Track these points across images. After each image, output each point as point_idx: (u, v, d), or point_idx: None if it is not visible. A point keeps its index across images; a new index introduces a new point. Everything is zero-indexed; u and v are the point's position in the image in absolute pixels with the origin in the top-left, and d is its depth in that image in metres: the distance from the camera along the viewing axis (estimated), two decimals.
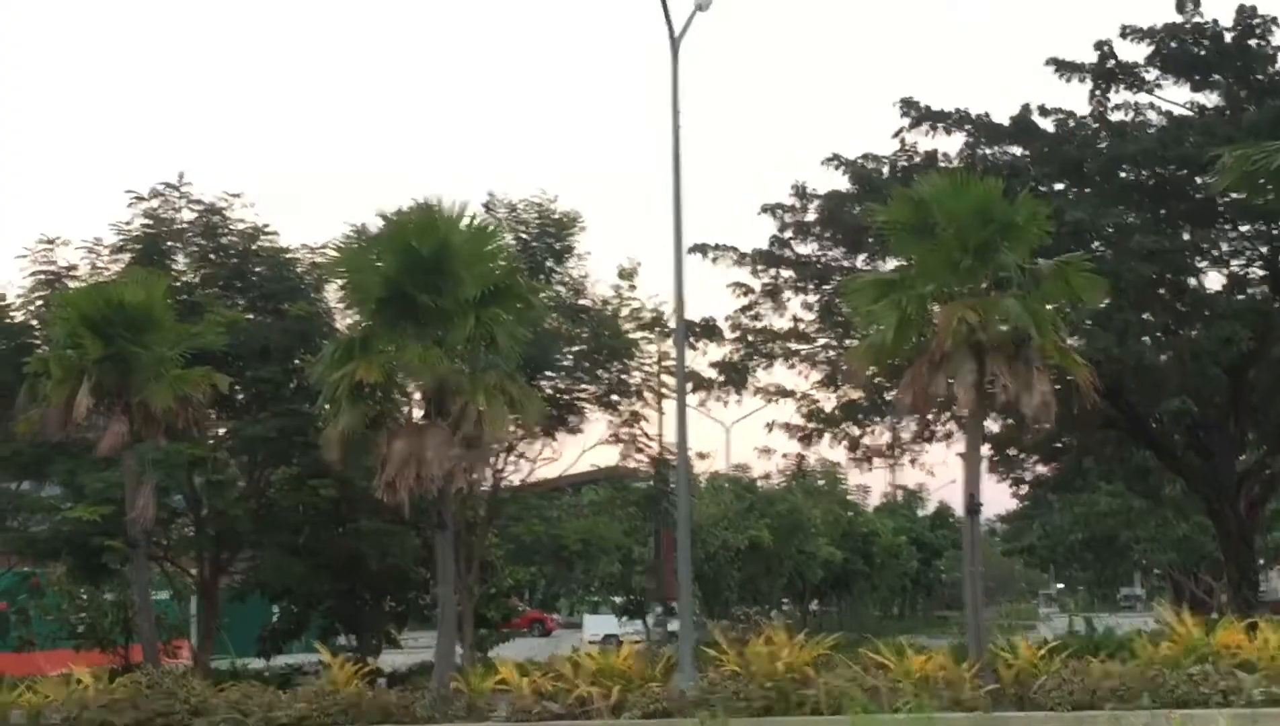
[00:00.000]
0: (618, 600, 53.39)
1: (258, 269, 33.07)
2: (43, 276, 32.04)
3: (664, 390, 34.30)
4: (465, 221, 26.49)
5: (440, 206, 26.44)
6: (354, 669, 26.73)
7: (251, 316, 31.58)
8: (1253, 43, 35.70)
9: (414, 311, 25.58)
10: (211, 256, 33.02)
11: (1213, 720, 18.49)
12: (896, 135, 37.18)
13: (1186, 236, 36.50)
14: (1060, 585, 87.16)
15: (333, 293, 32.57)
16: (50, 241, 32.13)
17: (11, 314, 32.34)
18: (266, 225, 33.38)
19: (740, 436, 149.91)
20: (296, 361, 31.71)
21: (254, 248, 33.15)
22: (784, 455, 45.66)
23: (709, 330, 38.40)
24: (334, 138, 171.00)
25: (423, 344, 25.26)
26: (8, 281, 32.81)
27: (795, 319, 39.12)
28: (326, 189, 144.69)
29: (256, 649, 36.81)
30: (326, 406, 26.92)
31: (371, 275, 26.67)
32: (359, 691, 25.32)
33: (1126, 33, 36.06)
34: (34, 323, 31.92)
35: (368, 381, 25.53)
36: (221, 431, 33.05)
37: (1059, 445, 41.35)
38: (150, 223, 32.66)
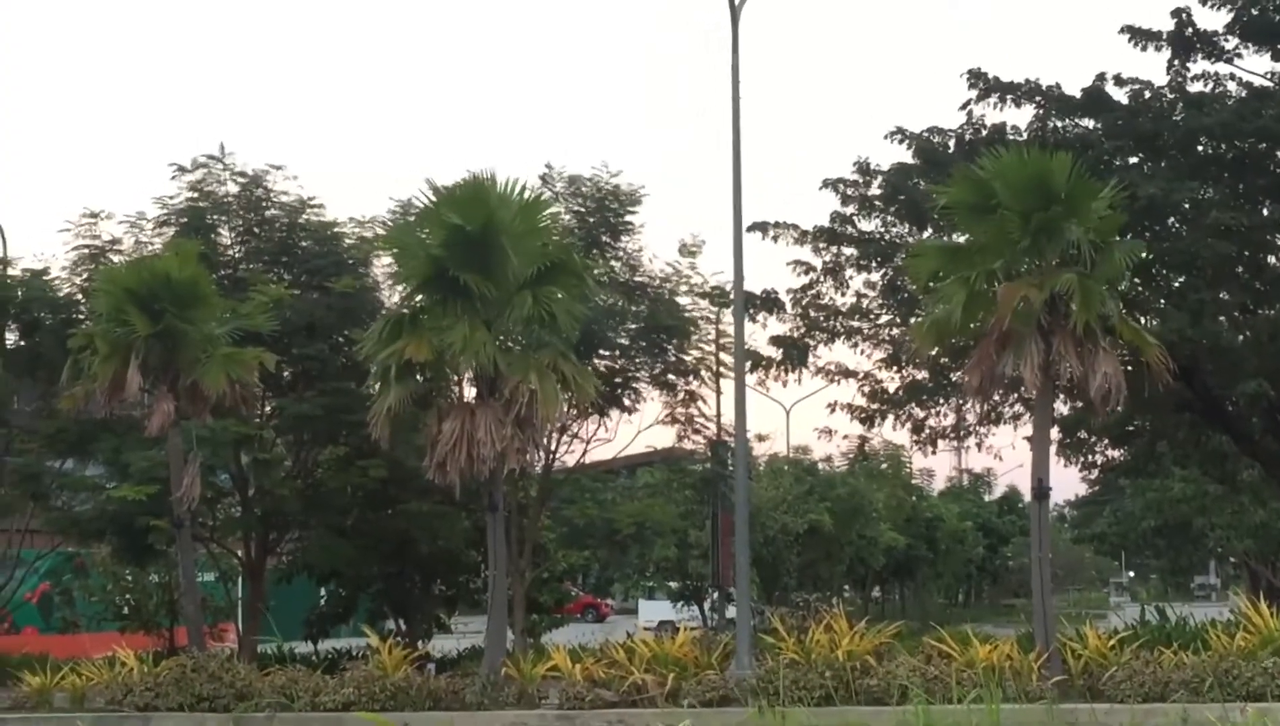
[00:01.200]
0: (673, 585, 53.48)
1: (303, 243, 33.19)
2: (86, 250, 32.29)
3: (722, 369, 34.26)
4: (516, 195, 26.65)
5: (489, 181, 26.63)
6: (403, 653, 26.97)
7: (297, 292, 31.63)
8: None
9: (463, 290, 25.69)
10: (256, 230, 33.18)
11: None
12: (964, 107, 36.95)
13: (1266, 212, 36.21)
14: (1131, 573, 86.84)
15: (380, 267, 32.76)
16: (94, 215, 32.38)
17: (56, 288, 32.61)
18: (312, 198, 33.48)
19: (800, 418, 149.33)
20: (343, 338, 31.85)
21: (299, 221, 33.26)
22: (845, 437, 45.70)
23: (769, 302, 38.25)
24: (387, 111, 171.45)
25: (471, 324, 25.38)
26: (51, 255, 33.05)
27: (858, 296, 38.96)
28: (376, 164, 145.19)
29: (303, 632, 37.04)
30: (375, 385, 27.16)
31: (418, 252, 26.87)
32: (407, 677, 25.55)
33: None
34: (78, 297, 32.17)
35: (417, 360, 25.70)
36: (268, 410, 33.24)
37: (1131, 428, 41.10)
38: (194, 196, 32.83)
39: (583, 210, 32.58)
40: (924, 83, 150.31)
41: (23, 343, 32.77)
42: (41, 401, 31.73)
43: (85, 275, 32.00)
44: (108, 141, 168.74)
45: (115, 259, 31.68)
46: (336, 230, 33.52)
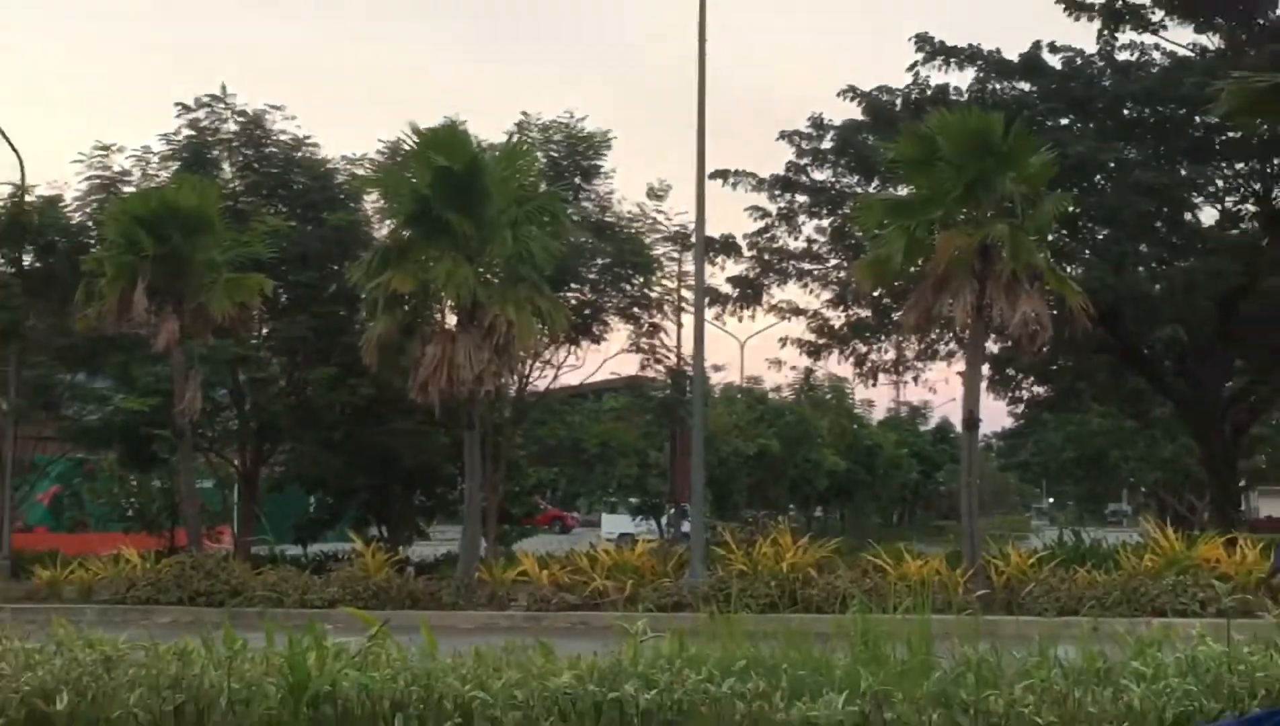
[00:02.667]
0: (634, 501, 53.65)
1: (299, 179, 33.10)
2: (98, 181, 32.16)
3: (683, 305, 34.33)
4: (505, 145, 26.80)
5: (464, 127, 26.87)
6: (384, 557, 27.13)
7: (293, 224, 31.61)
8: None
9: (446, 226, 25.71)
10: (255, 166, 33.06)
11: (1189, 627, 18.66)
12: (910, 69, 37.02)
13: (1184, 173, 36.36)
14: (1051, 499, 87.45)
15: (370, 203, 32.71)
16: (105, 148, 32.23)
17: (69, 215, 32.54)
18: (308, 136, 33.45)
19: (753, 351, 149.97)
20: (335, 267, 31.86)
21: (296, 158, 33.17)
22: (793, 369, 46.03)
23: (727, 246, 38.45)
24: (366, 54, 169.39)
25: (454, 258, 25.42)
26: (65, 183, 32.95)
27: (809, 241, 39.12)
28: (361, 103, 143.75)
29: (293, 536, 37.14)
30: (365, 313, 27.23)
31: (405, 190, 26.88)
32: (389, 578, 25.72)
33: None
34: (89, 224, 32.08)
35: (403, 291, 25.73)
36: (264, 332, 33.24)
37: (1055, 368, 41.41)
38: (196, 133, 32.71)
39: (556, 154, 32.55)
40: (878, 41, 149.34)
41: (38, 264, 32.67)
42: (55, 319, 31.66)
43: (96, 204, 31.87)
44: (118, 76, 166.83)
45: (125, 189, 31.57)
46: (330, 167, 33.47)
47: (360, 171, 32.88)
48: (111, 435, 33.32)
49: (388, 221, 30.03)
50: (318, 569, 29.27)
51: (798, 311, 40.24)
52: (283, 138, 33.19)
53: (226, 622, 9.73)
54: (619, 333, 34.54)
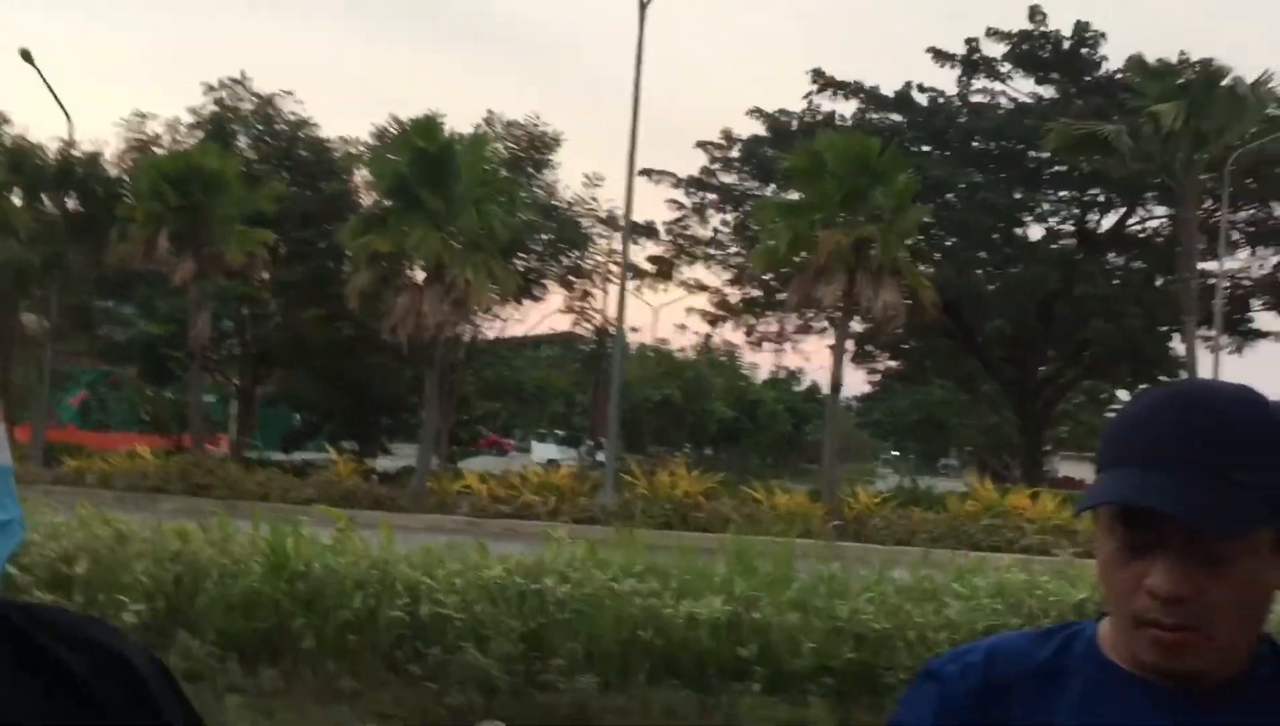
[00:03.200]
0: (560, 433, 53.73)
1: (302, 152, 32.85)
2: (134, 142, 31.86)
3: (610, 276, 34.35)
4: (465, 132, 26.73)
5: (440, 119, 26.80)
6: (354, 467, 27.00)
7: (295, 189, 31.41)
8: (1084, 50, 35.80)
9: (421, 200, 25.56)
10: (266, 140, 32.84)
11: (999, 560, 18.94)
12: (806, 96, 37.18)
13: (1019, 196, 36.70)
14: (895, 452, 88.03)
15: (359, 176, 32.51)
16: (142, 115, 32.03)
17: (107, 169, 32.20)
18: (310, 118, 33.39)
19: (664, 317, 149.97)
20: (327, 227, 31.66)
21: (299, 135, 32.94)
22: (696, 334, 46.05)
23: (648, 231, 38.45)
24: (353, 53, 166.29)
25: (425, 227, 25.31)
26: (105, 141, 32.71)
27: (715, 231, 39.18)
28: (347, 97, 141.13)
29: (280, 445, 36.90)
30: (350, 266, 27.08)
31: (388, 168, 26.73)
32: (356, 484, 25.62)
33: (990, 33, 36.09)
34: (125, 178, 31.74)
35: (382, 251, 25.57)
36: (266, 276, 33.02)
37: (906, 347, 41.75)
38: (218, 109, 32.55)
39: (515, 147, 32.40)
40: (782, 71, 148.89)
41: (80, 209, 32.26)
42: (92, 255, 31.29)
43: (131, 161, 31.52)
44: (155, 52, 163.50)
45: (156, 151, 31.28)
46: (328, 145, 33.27)
47: (352, 150, 32.80)
48: (134, 353, 32.99)
49: (373, 193, 29.86)
50: (298, 473, 29.04)
51: (702, 287, 40.37)
52: (290, 118, 32.99)
53: (221, 512, 9.64)
54: (556, 296, 34.58)
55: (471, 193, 25.75)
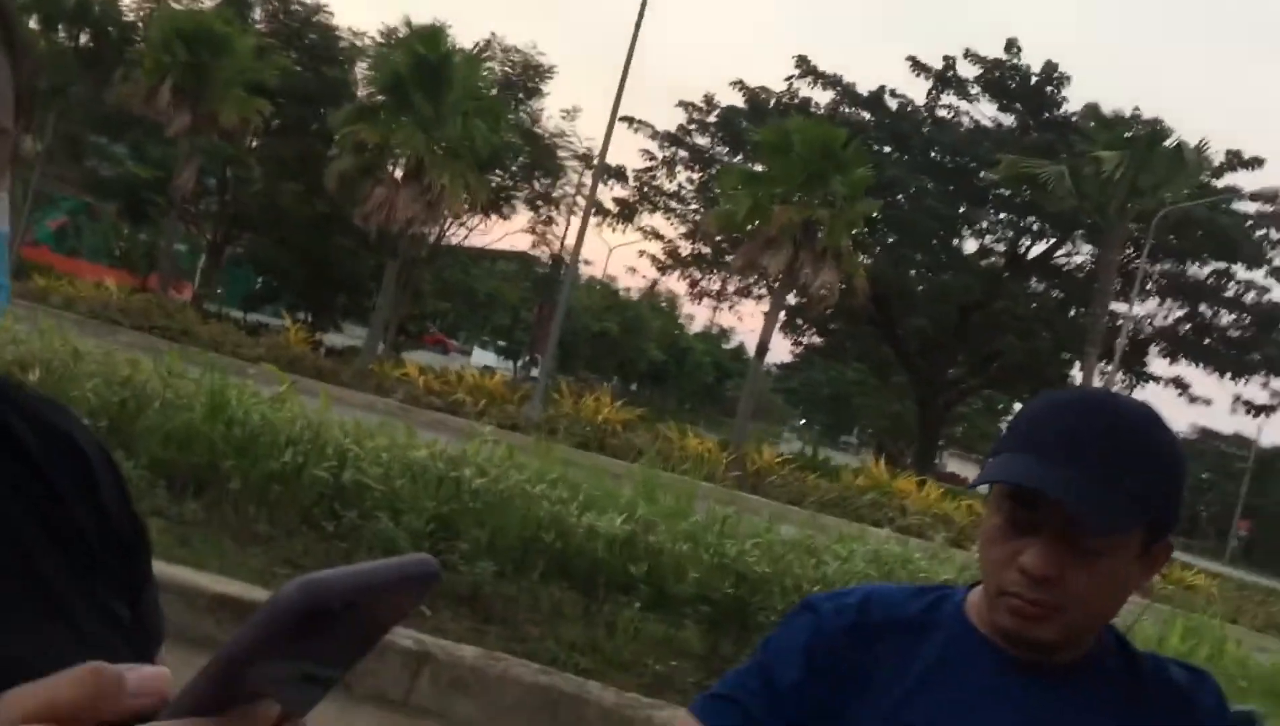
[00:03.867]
0: (502, 344, 53.60)
1: (312, 35, 32.31)
2: None
3: (575, 208, 34.16)
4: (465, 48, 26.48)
5: (445, 31, 26.51)
6: (305, 336, 26.79)
7: (299, 69, 30.89)
8: (1049, 88, 35.94)
9: (412, 102, 25.31)
10: (280, 16, 32.23)
11: (879, 533, 19.19)
12: (788, 80, 37.09)
13: (962, 210, 36.90)
14: (804, 421, 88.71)
15: (360, 69, 32.02)
16: None
17: (123, 12, 31.50)
18: (325, 4, 32.75)
19: (618, 257, 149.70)
20: (322, 110, 31.21)
21: (313, 19, 32.39)
22: (644, 277, 45.98)
23: (618, 174, 38.23)
24: None
25: (412, 127, 25.10)
26: None
27: (680, 186, 39.08)
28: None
29: (240, 304, 36.54)
30: (336, 150, 26.74)
31: (388, 66, 26.44)
32: (304, 352, 25.39)
33: (967, 55, 36.11)
34: (139, 24, 31.08)
35: (369, 141, 25.29)
36: (256, 143, 32.54)
37: (833, 327, 41.98)
38: None
39: (510, 71, 32.04)
40: (773, 51, 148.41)
41: (91, 45, 31.55)
42: (95, 90, 30.67)
43: (148, 10, 30.83)
44: None
45: (173, 4, 30.62)
46: (337, 34, 32.72)
47: (358, 43, 32.30)
48: (118, 191, 32.44)
49: (370, 87, 29.40)
50: (252, 332, 28.77)
51: (658, 236, 40.27)
52: (306, 0, 32.46)
53: (172, 351, 9.52)
54: (522, 217, 34.37)
55: (461, 104, 25.51)
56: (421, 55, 25.33)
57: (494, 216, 33.15)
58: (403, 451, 7.37)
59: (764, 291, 39.24)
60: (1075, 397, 1.50)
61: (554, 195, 33.66)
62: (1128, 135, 29.00)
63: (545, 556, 6.79)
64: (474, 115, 25.65)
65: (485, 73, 27.92)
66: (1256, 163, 34.01)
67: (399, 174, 26.61)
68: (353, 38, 32.63)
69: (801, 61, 36.68)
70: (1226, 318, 36.88)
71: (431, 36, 26.02)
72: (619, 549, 6.96)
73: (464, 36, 60.85)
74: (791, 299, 35.04)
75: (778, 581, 6.87)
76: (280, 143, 31.26)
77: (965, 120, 37.20)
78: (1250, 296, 36.13)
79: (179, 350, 11.00)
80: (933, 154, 36.69)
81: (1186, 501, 1.54)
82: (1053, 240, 37.86)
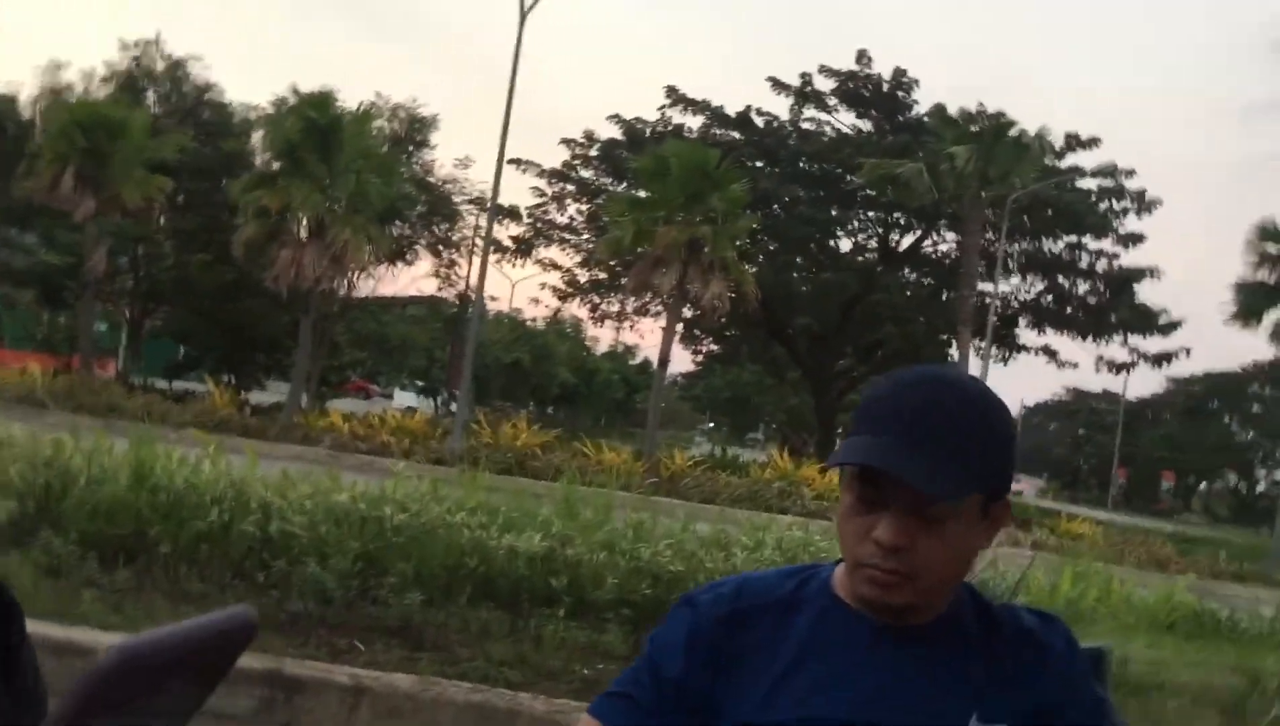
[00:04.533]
0: (420, 384, 53.17)
1: (205, 113, 31.88)
2: (49, 89, 30.55)
3: (474, 249, 34.06)
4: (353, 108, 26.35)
5: (333, 95, 26.34)
6: (230, 397, 26.34)
7: (196, 145, 30.42)
8: (900, 94, 36.53)
9: (308, 165, 25.08)
10: (172, 98, 31.77)
11: (785, 521, 19.32)
12: (660, 109, 37.29)
13: (834, 213, 37.35)
14: (711, 424, 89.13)
15: (255, 138, 31.68)
16: (58, 65, 30.73)
17: (20, 111, 30.86)
18: (215, 83, 32.64)
19: (521, 290, 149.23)
20: (222, 181, 30.81)
21: (205, 98, 31.98)
22: (548, 307, 45.86)
23: (512, 213, 38.13)
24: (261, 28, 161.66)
25: (310, 189, 24.86)
26: (21, 84, 31.26)
27: (571, 218, 39.08)
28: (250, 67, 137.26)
29: (164, 374, 35.83)
30: (240, 218, 26.36)
31: (281, 133, 26.15)
32: (230, 414, 24.94)
33: (822, 70, 36.59)
34: (36, 120, 30.46)
35: (270, 206, 24.99)
36: (162, 220, 32.02)
37: (727, 334, 42.20)
38: (132, 65, 31.42)
39: (397, 126, 31.89)
40: (641, 83, 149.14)
41: None
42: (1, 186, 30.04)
43: (45, 105, 30.23)
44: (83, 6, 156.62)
45: (69, 98, 30.06)
46: (230, 109, 32.32)
47: (251, 116, 31.96)
48: (33, 278, 31.61)
49: (266, 154, 29.08)
50: (178, 400, 28.20)
51: (556, 267, 40.22)
52: (198, 81, 32.09)
53: (100, 429, 9.30)
54: (426, 262, 34.17)
55: (354, 163, 25.34)
56: (312, 120, 25.13)
57: (399, 264, 32.94)
58: (326, 497, 7.27)
59: (660, 308, 39.45)
60: (909, 378, 1.52)
61: (454, 239, 33.54)
62: (974, 130, 29.61)
63: (470, 581, 6.74)
64: (367, 172, 25.47)
65: (374, 131, 27.72)
66: (1094, 142, 34.90)
67: (303, 234, 26.32)
68: (246, 111, 32.29)
69: (671, 91, 36.95)
70: (1083, 286, 37.72)
71: (320, 102, 25.84)
72: (539, 564, 6.93)
73: (351, 97, 60.49)
74: (687, 312, 35.28)
75: (691, 578, 6.87)
76: (186, 216, 30.82)
77: (827, 130, 37.68)
78: (1101, 264, 37.01)
79: (106, 426, 10.75)
80: (801, 164, 37.09)
81: (1017, 464, 1.57)
82: (919, 232, 38.46)
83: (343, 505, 7.11)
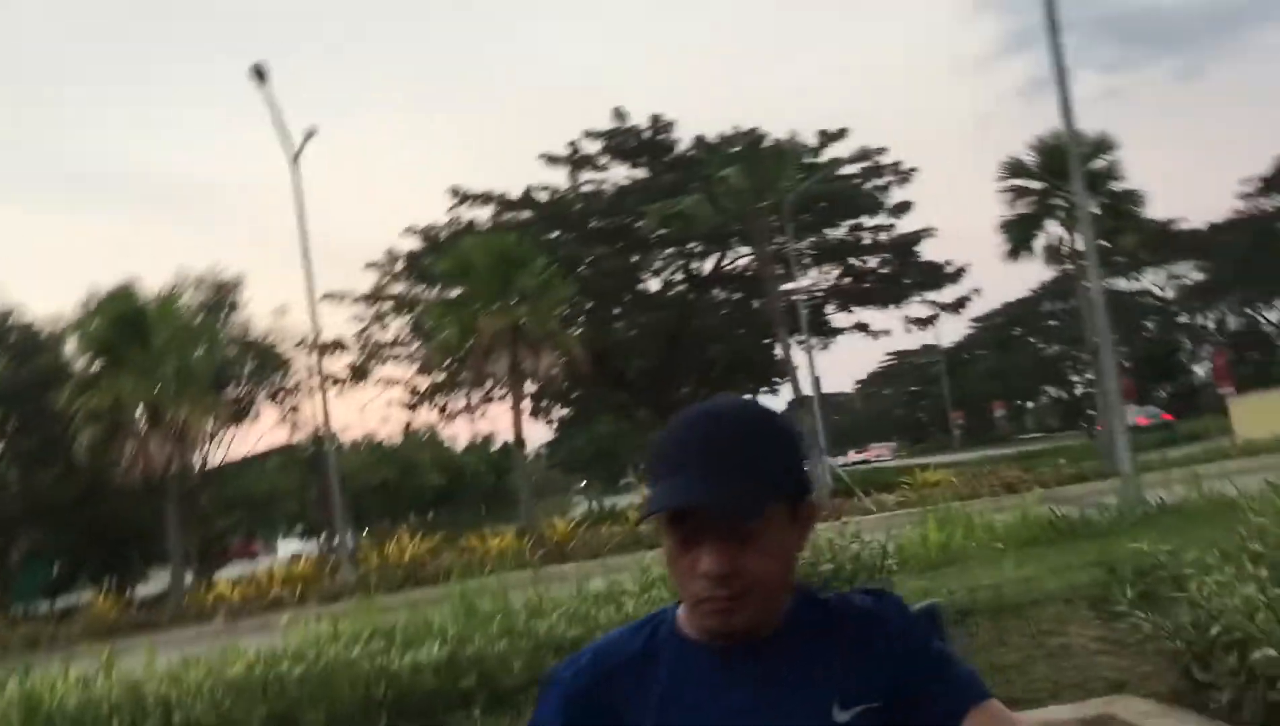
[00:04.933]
0: (300, 528, 51.68)
1: (13, 336, 30.53)
2: None
3: (312, 389, 33.36)
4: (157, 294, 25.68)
5: (137, 286, 25.66)
6: (115, 599, 25.19)
7: (12, 368, 29.09)
8: (660, 137, 37.27)
9: (128, 356, 24.27)
10: None
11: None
12: (449, 210, 37.28)
13: (635, 260, 37.79)
14: (584, 482, 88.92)
15: (70, 345, 30.46)
16: None
17: None
18: (19, 303, 31.06)
19: (370, 411, 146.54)
20: (49, 393, 29.52)
21: (9, 322, 30.64)
22: (398, 421, 45.20)
23: (338, 344, 37.61)
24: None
25: (136, 378, 24.03)
26: None
27: (395, 335, 38.74)
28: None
29: (44, 594, 33.99)
30: (76, 425, 25.32)
31: (92, 334, 25.31)
32: (119, 614, 23.86)
33: (587, 134, 37.10)
34: None
35: (102, 406, 24.10)
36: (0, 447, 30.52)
37: (573, 396, 42.19)
38: None
39: (205, 297, 31.05)
40: (428, 189, 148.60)
41: None
42: None
43: None
44: None
45: None
46: (36, 328, 30.99)
47: (56, 330, 30.66)
48: None
49: (84, 357, 27.99)
50: (64, 617, 26.79)
51: (395, 382, 39.76)
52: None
53: None
54: (271, 413, 33.33)
55: (171, 343, 24.64)
56: (120, 314, 24.38)
57: (244, 423, 32.05)
58: (221, 673, 6.99)
59: (505, 390, 39.25)
60: (685, 418, 1.56)
61: (290, 385, 32.79)
62: (736, 151, 30.42)
63: (382, 707, 6.56)
64: (187, 348, 24.80)
65: (183, 307, 26.99)
66: (842, 133, 36.16)
67: (143, 424, 25.39)
68: (52, 323, 30.97)
69: (455, 191, 37.03)
70: (872, 261, 38.92)
71: (123, 295, 25.12)
72: (445, 671, 6.79)
73: (153, 276, 58.79)
74: (530, 387, 35.20)
75: (589, 638, 6.83)
76: (22, 438, 29.37)
77: (606, 187, 38.16)
78: (882, 236, 38.28)
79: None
80: (592, 224, 37.48)
81: (809, 467, 1.60)
82: (717, 254, 39.19)
83: (239, 676, 6.85)
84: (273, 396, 32.69)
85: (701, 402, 1.60)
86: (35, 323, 31.14)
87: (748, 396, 1.66)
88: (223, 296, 31.27)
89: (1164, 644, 5.45)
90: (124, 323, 24.40)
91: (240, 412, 30.95)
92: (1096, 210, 26.17)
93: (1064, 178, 21.50)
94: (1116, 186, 27.97)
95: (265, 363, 31.46)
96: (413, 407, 40.36)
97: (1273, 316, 57.78)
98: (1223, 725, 4.80)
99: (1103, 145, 27.55)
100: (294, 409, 33.44)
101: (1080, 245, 24.25)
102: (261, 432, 33.91)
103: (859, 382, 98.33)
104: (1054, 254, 29.36)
